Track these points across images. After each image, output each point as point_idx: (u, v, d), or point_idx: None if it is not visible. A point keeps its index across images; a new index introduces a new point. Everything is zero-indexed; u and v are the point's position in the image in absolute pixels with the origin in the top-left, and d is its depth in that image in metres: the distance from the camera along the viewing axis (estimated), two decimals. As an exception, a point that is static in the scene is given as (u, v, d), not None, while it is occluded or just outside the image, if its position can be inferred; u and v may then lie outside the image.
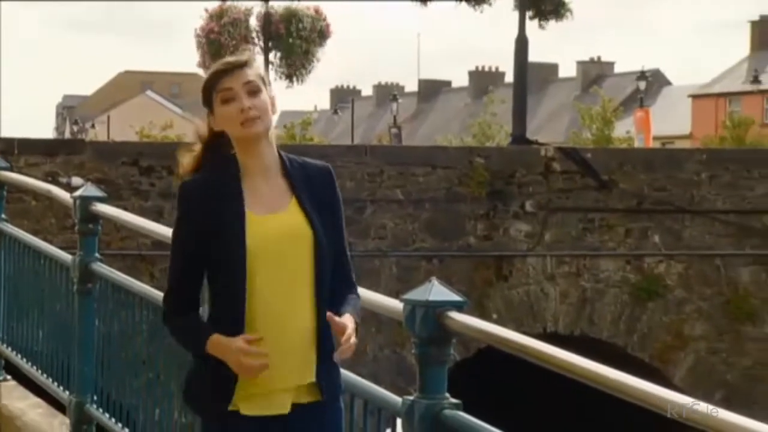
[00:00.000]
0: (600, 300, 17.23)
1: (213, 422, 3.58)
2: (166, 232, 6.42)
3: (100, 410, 6.29)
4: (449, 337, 3.67)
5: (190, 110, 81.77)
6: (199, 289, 3.62)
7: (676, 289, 17.59)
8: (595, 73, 72.14)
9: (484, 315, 15.04)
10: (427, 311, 3.62)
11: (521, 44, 21.22)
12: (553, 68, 75.14)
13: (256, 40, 26.95)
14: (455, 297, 3.68)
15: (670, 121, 60.49)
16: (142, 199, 16.05)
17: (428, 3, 23.54)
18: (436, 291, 3.67)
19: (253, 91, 3.55)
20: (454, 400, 3.70)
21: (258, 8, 26.75)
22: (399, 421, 3.84)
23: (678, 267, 17.62)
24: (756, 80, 52.77)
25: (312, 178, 3.62)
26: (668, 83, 70.46)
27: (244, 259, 3.46)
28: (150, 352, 5.86)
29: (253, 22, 26.97)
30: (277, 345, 3.47)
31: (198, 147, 3.69)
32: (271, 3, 26.68)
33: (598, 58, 74.37)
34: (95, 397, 6.39)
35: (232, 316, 3.48)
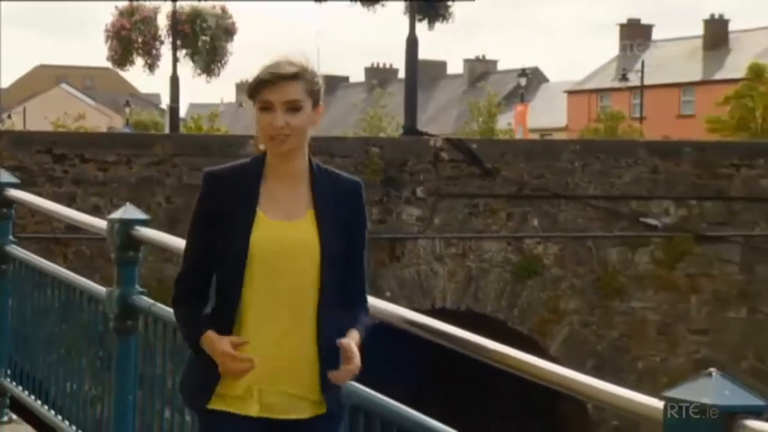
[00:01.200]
0: (484, 278, 17.36)
1: (202, 419, 3.28)
2: (78, 216, 6.32)
3: (14, 383, 6.18)
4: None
5: (102, 102, 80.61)
6: (209, 280, 3.29)
7: (552, 268, 17.79)
8: (480, 70, 72.65)
9: (378, 293, 15.05)
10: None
11: (411, 44, 21.32)
12: (442, 66, 75.46)
13: (164, 38, 26.67)
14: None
15: (548, 114, 61.32)
16: (55, 186, 15.72)
17: (324, 2, 23.44)
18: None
19: (294, 108, 3.16)
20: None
21: (166, 7, 26.43)
22: None
23: (554, 248, 17.81)
24: (624, 78, 53.55)
25: (338, 192, 3.26)
26: (546, 80, 71.27)
27: (245, 258, 3.14)
28: (62, 329, 5.75)
29: (162, 20, 26.66)
30: (265, 351, 3.15)
31: None
32: (179, 3, 26.40)
33: (483, 56, 74.94)
34: (8, 371, 6.27)
35: (226, 315, 3.20)
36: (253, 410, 3.18)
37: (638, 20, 66.89)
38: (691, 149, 18.89)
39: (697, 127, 47.22)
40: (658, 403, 2.46)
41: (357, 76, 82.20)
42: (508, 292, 17.47)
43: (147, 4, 26.85)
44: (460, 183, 17.35)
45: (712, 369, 2.42)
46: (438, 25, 23.07)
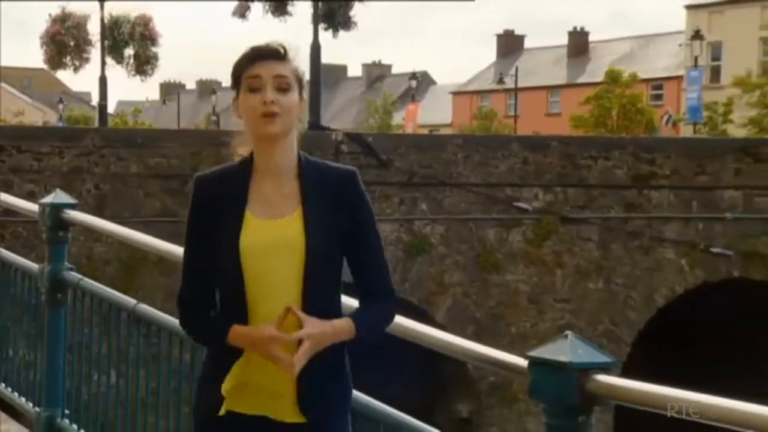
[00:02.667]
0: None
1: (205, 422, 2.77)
2: (14, 201, 6.20)
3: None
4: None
5: (38, 100, 78.67)
6: (208, 290, 2.77)
7: (438, 246, 17.91)
8: (377, 73, 72.76)
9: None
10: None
11: (315, 49, 21.44)
12: (343, 69, 75.30)
13: (95, 42, 26.36)
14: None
15: (436, 112, 61.61)
16: (-6, 174, 15.34)
17: (246, 16, 23.39)
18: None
19: (283, 88, 2.70)
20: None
21: (96, 14, 26.10)
22: None
23: (440, 228, 17.93)
24: (501, 81, 54.10)
25: (329, 183, 2.77)
26: (434, 83, 71.61)
27: (238, 261, 2.65)
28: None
29: (93, 26, 26.37)
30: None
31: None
32: (108, 11, 26.04)
33: (380, 61, 75.01)
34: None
35: (235, 316, 2.68)
36: (244, 407, 2.69)
37: (513, 31, 67.61)
38: (557, 143, 19.16)
39: (563, 124, 47.92)
40: (524, 362, 2.48)
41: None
42: (401, 268, 17.53)
43: (78, 12, 26.46)
44: (358, 172, 17.33)
45: (568, 332, 2.44)
46: (341, 32, 23.08)
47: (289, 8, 22.90)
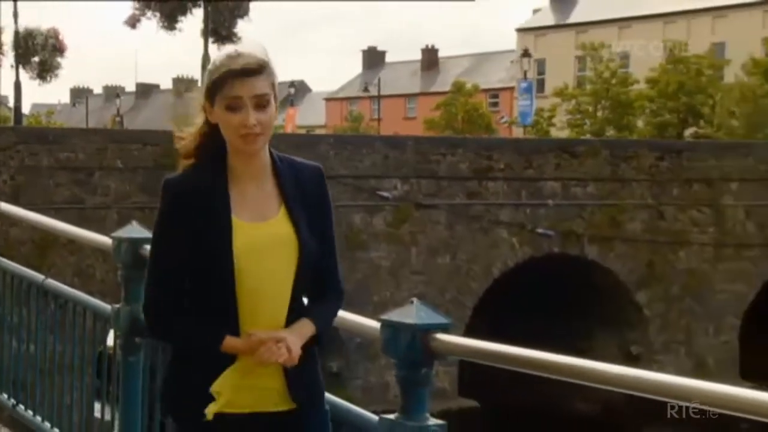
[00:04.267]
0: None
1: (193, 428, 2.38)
2: None
3: None
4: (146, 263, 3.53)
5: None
6: (182, 294, 2.36)
7: (313, 229, 17.83)
8: (261, 82, 71.92)
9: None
10: (130, 245, 3.54)
11: (205, 60, 21.06)
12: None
13: (8, 53, 25.75)
14: (150, 234, 3.55)
15: (312, 116, 61.34)
16: None
17: (136, 26, 22.81)
18: (137, 230, 3.56)
19: (262, 105, 2.29)
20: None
21: (10, 28, 25.39)
22: None
23: (314, 214, 17.85)
24: (366, 89, 54.30)
25: (302, 180, 2.43)
26: (310, 90, 71.25)
27: (231, 267, 2.29)
28: None
29: (6, 38, 25.67)
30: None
31: (196, 129, 2.43)
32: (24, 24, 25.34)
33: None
34: None
35: (224, 321, 2.33)
36: (236, 407, 2.37)
37: (376, 47, 67.84)
38: (412, 142, 19.34)
39: (418, 127, 48.42)
40: (377, 325, 2.50)
41: (166, 84, 79.81)
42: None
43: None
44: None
45: (414, 299, 2.46)
46: (223, 45, 22.76)
47: (179, 24, 22.46)
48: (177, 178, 2.39)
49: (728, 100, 35.30)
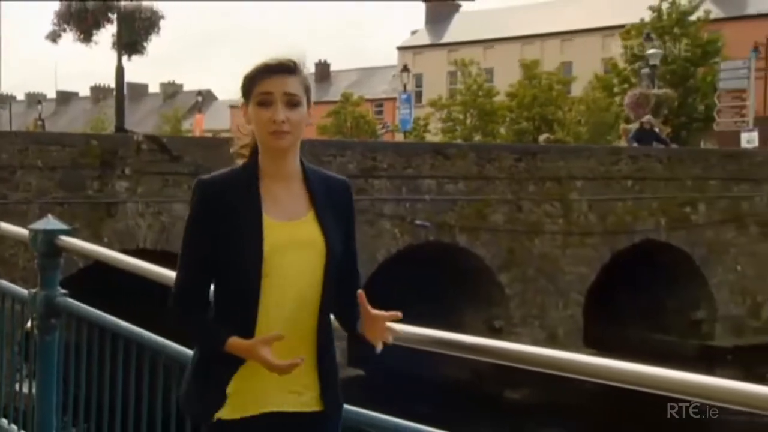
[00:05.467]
0: (173, 228, 16.84)
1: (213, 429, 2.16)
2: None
3: None
4: (60, 252, 3.49)
5: None
6: (209, 289, 2.19)
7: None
8: (172, 90, 70.64)
9: (98, 239, 14.27)
10: (45, 236, 3.44)
11: (119, 71, 20.67)
12: (144, 87, 72.18)
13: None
14: (64, 226, 3.51)
15: (217, 120, 60.33)
16: None
17: (57, 41, 22.10)
18: (52, 223, 3.50)
19: (293, 103, 2.14)
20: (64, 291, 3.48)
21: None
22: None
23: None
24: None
25: (332, 192, 2.24)
26: (216, 98, 70.11)
27: (260, 263, 2.11)
28: None
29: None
30: (282, 350, 2.11)
31: (248, 133, 2.23)
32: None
33: (174, 81, 73.00)
34: None
35: (243, 319, 2.12)
36: (258, 408, 2.16)
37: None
38: (308, 145, 19.19)
39: (311, 132, 48.29)
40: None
41: (85, 92, 77.06)
42: (188, 238, 17.07)
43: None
44: (155, 165, 16.71)
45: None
46: (135, 57, 22.23)
47: (94, 38, 21.84)
48: (209, 179, 2.22)
49: (577, 110, 36.80)
